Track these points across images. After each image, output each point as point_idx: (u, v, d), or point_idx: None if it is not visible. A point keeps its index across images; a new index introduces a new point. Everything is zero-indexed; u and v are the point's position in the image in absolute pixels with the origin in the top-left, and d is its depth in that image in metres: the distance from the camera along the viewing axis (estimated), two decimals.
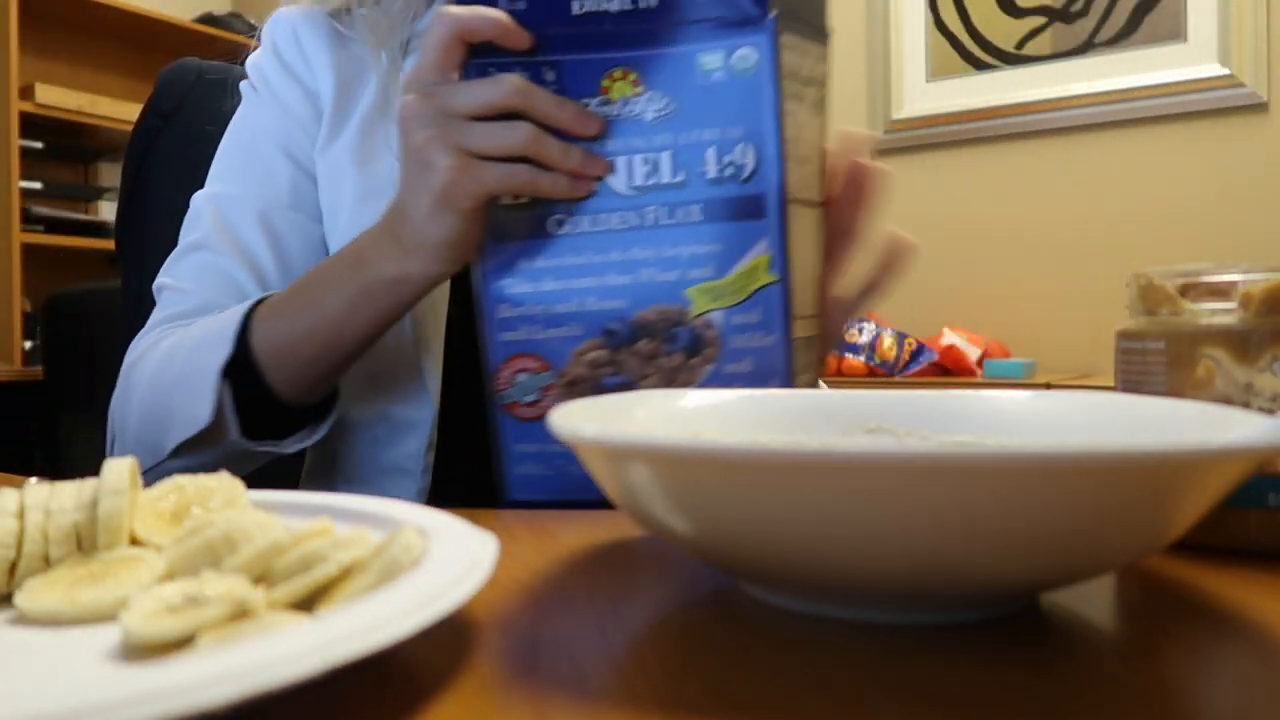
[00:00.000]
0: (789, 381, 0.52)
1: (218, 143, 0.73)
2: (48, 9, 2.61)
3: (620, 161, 0.51)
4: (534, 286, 0.52)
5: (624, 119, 0.51)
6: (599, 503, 0.51)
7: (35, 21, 2.60)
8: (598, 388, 0.52)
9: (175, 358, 0.61)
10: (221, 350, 0.57)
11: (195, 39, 2.84)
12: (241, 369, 0.57)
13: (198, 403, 0.57)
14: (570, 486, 0.52)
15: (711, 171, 0.51)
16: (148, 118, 0.89)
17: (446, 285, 0.66)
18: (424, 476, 0.67)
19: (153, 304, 0.70)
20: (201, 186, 0.71)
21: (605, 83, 0.51)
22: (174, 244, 0.70)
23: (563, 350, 0.52)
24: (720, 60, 0.51)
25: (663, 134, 0.51)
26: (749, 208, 0.51)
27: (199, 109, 0.87)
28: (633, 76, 0.51)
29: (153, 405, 0.61)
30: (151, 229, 0.72)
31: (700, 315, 0.52)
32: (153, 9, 2.76)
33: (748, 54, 0.51)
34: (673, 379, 0.52)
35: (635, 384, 0.52)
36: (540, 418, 0.52)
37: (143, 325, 0.69)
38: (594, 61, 0.51)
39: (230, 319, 0.59)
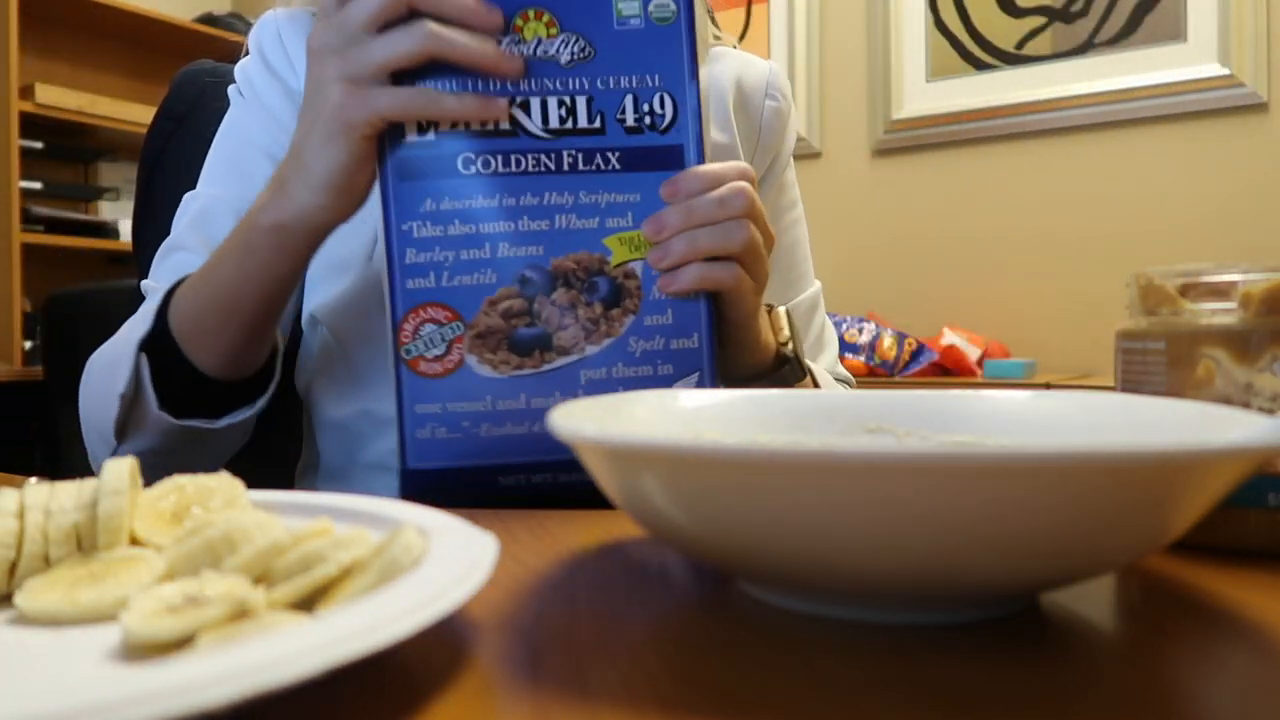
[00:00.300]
0: (711, 334, 0.51)
1: None
2: (48, 9, 2.61)
3: (534, 101, 0.50)
4: (443, 230, 0.49)
5: (538, 59, 0.50)
6: (505, 468, 0.50)
7: (35, 21, 2.60)
8: (510, 340, 0.50)
9: (115, 344, 0.62)
10: (142, 328, 0.57)
11: (195, 39, 2.84)
12: (164, 345, 0.58)
13: (120, 377, 0.57)
14: (476, 450, 0.50)
15: (630, 119, 0.51)
16: (160, 120, 0.90)
17: None
18: None
19: None
20: None
21: (518, 21, 0.50)
22: None
23: (474, 299, 0.49)
24: (638, 8, 0.51)
25: (579, 77, 0.50)
26: (668, 158, 0.51)
27: (212, 111, 0.87)
28: (547, 17, 0.50)
29: (97, 392, 0.62)
30: (166, 231, 0.73)
31: (620, 265, 0.50)
32: (153, 9, 2.76)
33: (666, 3, 0.51)
34: (592, 331, 0.50)
35: (551, 336, 0.50)
36: (445, 374, 0.49)
37: None
38: None
39: (156, 299, 0.59)
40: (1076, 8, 2.05)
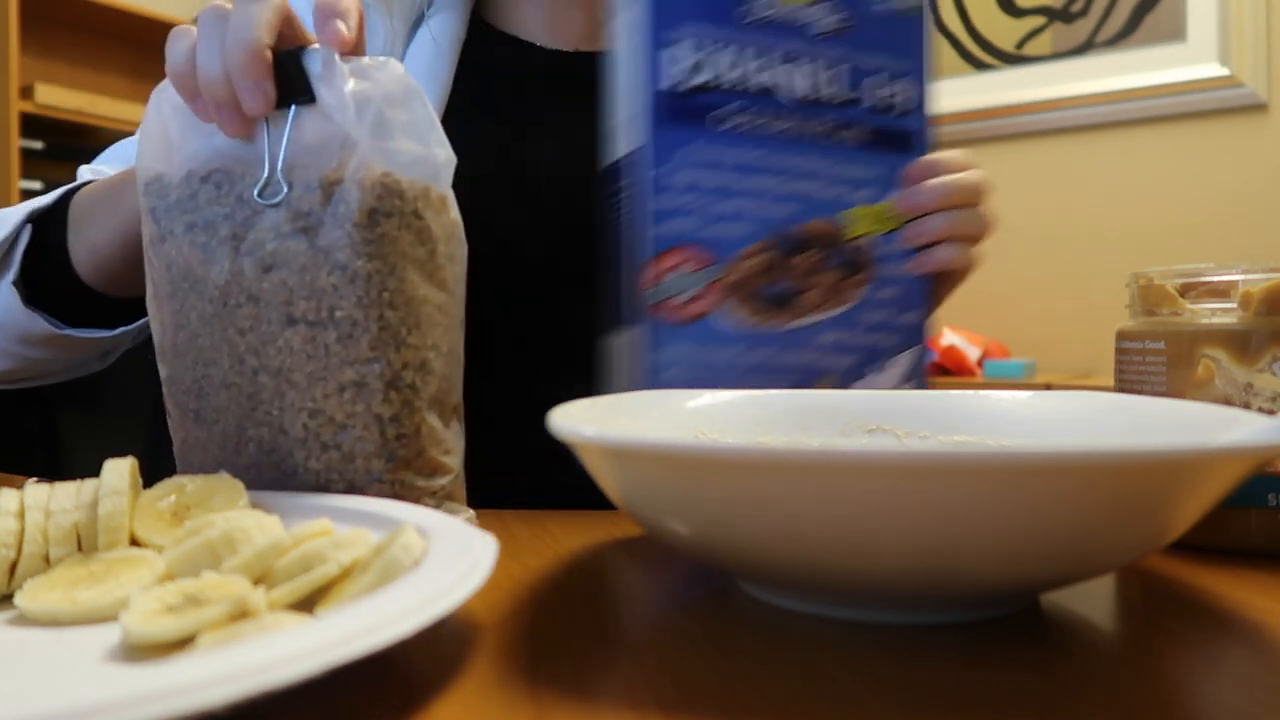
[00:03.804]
0: (925, 316, 0.55)
1: None
2: (48, 9, 2.61)
3: (800, 65, 0.51)
4: (701, 177, 0.49)
5: (798, 24, 0.51)
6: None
7: (35, 21, 2.60)
8: (756, 295, 0.50)
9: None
10: (41, 201, 0.55)
11: None
12: (52, 234, 0.54)
13: None
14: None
15: (876, 99, 0.53)
16: None
17: None
18: None
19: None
20: None
21: None
22: None
23: (730, 247, 0.49)
24: None
25: (840, 48, 0.52)
26: (900, 141, 0.53)
27: None
28: None
29: None
30: None
31: (859, 237, 0.52)
32: (152, 9, 2.76)
33: None
34: (830, 297, 0.52)
35: (796, 296, 0.51)
36: (697, 318, 0.49)
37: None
38: None
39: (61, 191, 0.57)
40: (1076, 8, 2.05)
